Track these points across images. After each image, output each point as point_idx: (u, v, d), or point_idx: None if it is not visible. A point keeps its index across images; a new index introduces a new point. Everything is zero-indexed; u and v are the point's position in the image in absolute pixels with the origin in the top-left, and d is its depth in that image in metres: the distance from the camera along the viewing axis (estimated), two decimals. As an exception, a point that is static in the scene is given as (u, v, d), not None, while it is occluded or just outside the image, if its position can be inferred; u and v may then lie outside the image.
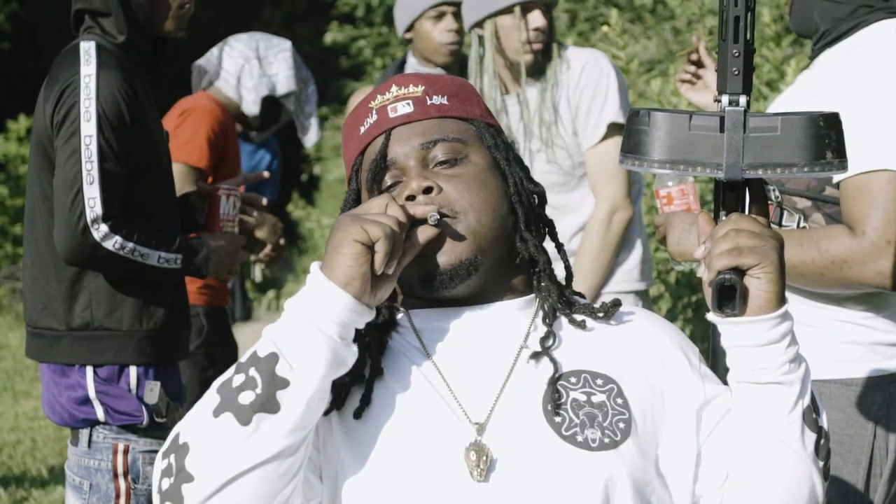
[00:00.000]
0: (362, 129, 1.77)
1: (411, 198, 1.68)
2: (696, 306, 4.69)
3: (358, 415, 1.63)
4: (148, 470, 2.81)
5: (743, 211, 1.58)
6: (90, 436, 2.81)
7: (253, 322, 10.54)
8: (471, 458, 1.59)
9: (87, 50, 2.77)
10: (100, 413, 2.79)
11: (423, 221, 1.64)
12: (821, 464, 1.62)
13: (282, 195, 10.39)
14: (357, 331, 1.65)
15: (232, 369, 1.58)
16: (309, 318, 1.55)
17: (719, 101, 1.51)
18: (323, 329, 1.55)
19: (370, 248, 1.56)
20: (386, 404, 1.65)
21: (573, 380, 1.66)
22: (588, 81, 3.48)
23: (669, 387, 1.69)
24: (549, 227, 1.81)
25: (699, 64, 2.91)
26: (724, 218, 1.57)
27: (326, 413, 1.64)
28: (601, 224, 3.48)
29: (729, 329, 1.57)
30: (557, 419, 1.62)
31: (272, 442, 1.52)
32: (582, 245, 3.49)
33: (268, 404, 1.52)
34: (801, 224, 2.30)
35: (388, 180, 1.73)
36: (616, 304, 1.75)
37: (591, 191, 3.52)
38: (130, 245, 2.72)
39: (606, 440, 1.61)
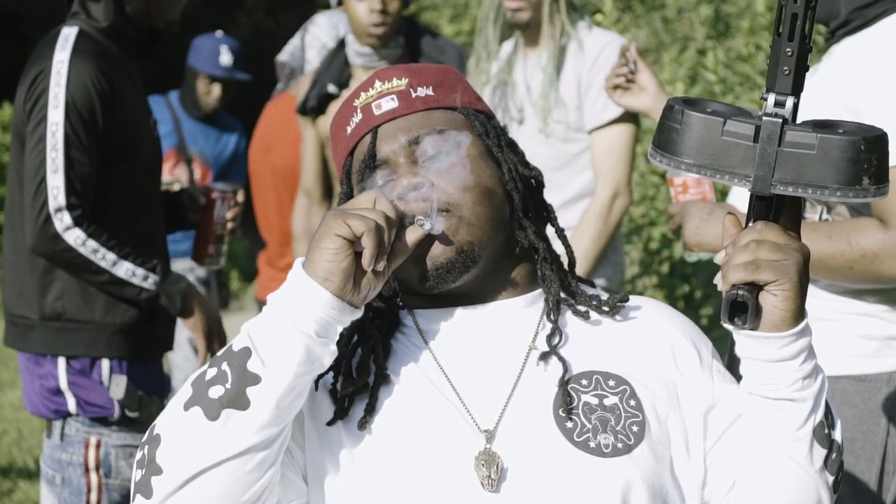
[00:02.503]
0: (349, 130, 1.72)
1: (403, 195, 1.63)
2: (689, 297, 4.66)
3: (363, 426, 1.59)
4: (121, 464, 2.77)
5: (773, 219, 1.50)
6: (63, 428, 2.77)
7: (241, 312, 10.52)
8: (481, 469, 1.53)
9: (67, 36, 2.71)
10: (71, 405, 2.75)
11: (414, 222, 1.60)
12: (830, 478, 1.56)
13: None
14: (361, 334, 1.61)
15: (208, 362, 1.55)
16: (286, 314, 1.50)
17: (765, 98, 1.44)
18: (299, 325, 1.49)
19: (352, 242, 1.50)
20: (392, 412, 1.60)
21: (584, 382, 1.61)
22: (604, 63, 3.42)
23: (682, 386, 1.64)
24: (548, 213, 1.76)
25: (630, 79, 2.84)
26: (751, 224, 1.50)
27: (330, 423, 1.60)
28: (604, 207, 3.44)
29: (742, 340, 1.52)
30: (569, 424, 1.57)
31: (240, 438, 1.48)
32: (580, 228, 3.44)
33: (237, 400, 1.48)
34: (824, 216, 2.23)
35: (379, 180, 1.68)
36: (624, 298, 1.70)
37: (594, 173, 3.48)
38: (93, 244, 2.64)
39: (620, 445, 1.56)
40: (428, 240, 1.61)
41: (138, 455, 1.53)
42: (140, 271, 2.70)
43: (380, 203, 1.55)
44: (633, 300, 1.72)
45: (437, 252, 1.61)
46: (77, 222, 2.63)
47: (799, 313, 1.48)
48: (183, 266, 5.15)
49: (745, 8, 5.43)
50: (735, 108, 1.48)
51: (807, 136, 1.41)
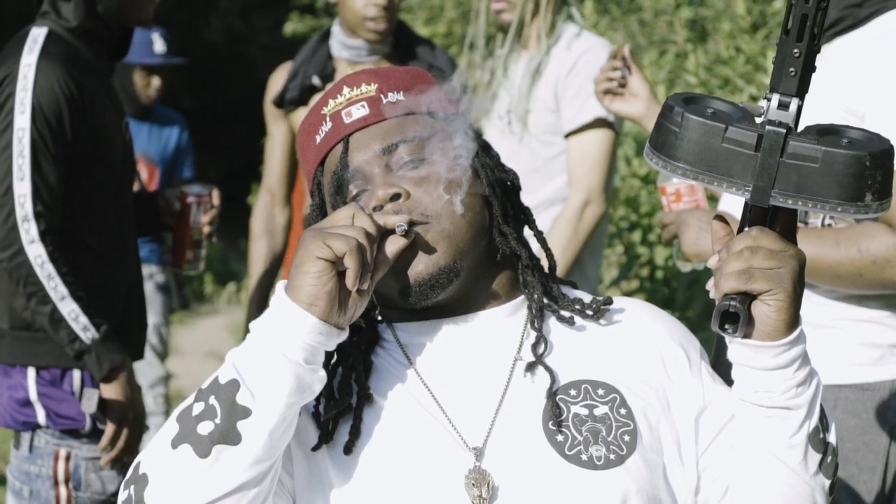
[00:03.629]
0: (318, 139, 1.66)
1: (378, 207, 1.57)
2: (670, 300, 4.63)
3: (349, 450, 1.53)
4: (91, 477, 2.70)
5: (769, 224, 1.45)
6: (32, 440, 2.70)
7: (215, 315, 10.45)
8: (472, 488, 1.48)
9: (36, 37, 2.63)
10: (41, 416, 2.68)
11: (393, 232, 1.53)
12: (826, 482, 1.53)
13: (242, 188, 10.29)
14: (341, 352, 1.55)
15: (193, 395, 1.48)
16: (272, 342, 1.45)
17: (769, 99, 1.39)
18: (287, 354, 1.44)
19: (335, 264, 1.45)
20: (378, 433, 1.55)
21: (573, 392, 1.56)
22: (583, 67, 3.37)
23: (672, 390, 1.59)
24: (525, 215, 1.70)
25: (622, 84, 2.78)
26: (746, 229, 1.46)
27: (315, 448, 1.55)
28: (574, 214, 3.37)
29: (734, 347, 1.47)
30: (559, 438, 1.52)
31: (233, 475, 1.43)
32: (551, 236, 3.36)
33: (228, 435, 1.42)
34: (827, 220, 2.18)
35: (353, 190, 1.62)
36: (607, 301, 1.64)
37: (569, 179, 3.42)
38: (50, 269, 2.55)
39: (612, 456, 1.52)
40: (409, 253, 1.55)
41: (123, 495, 1.47)
42: (83, 319, 2.60)
43: (358, 219, 1.49)
44: (618, 302, 1.67)
45: (419, 267, 1.56)
46: (42, 236, 2.55)
47: (793, 322, 1.44)
48: (149, 271, 5.10)
49: (723, 11, 5.41)
50: (737, 108, 1.43)
51: (811, 148, 1.36)
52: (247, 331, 4.20)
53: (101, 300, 2.66)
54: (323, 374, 1.48)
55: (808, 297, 2.20)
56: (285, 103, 3.63)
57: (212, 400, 1.44)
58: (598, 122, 3.38)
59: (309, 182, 1.69)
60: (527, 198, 3.37)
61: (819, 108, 2.15)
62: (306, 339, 1.45)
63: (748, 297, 1.42)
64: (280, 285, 1.47)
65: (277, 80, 3.69)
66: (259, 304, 3.62)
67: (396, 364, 1.60)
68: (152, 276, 5.35)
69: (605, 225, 3.55)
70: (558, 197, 3.46)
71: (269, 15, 15.14)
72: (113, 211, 2.74)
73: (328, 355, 1.55)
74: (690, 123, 1.39)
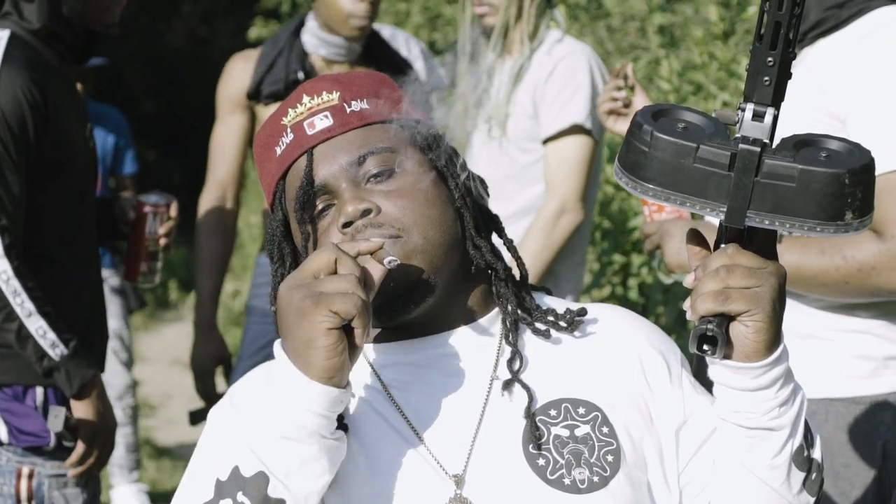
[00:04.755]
0: (279, 151, 1.57)
1: (348, 224, 1.51)
2: (643, 309, 4.59)
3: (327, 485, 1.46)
4: (54, 495, 2.60)
5: (747, 239, 1.38)
6: (-7, 458, 2.60)
7: (179, 322, 10.34)
8: None
9: None
10: (2, 433, 2.57)
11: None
12: (810, 499, 1.49)
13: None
14: None
15: (211, 490, 1.39)
16: (296, 424, 1.36)
17: (743, 109, 1.33)
18: (314, 431, 1.37)
19: (343, 328, 1.36)
20: (354, 464, 1.47)
21: (553, 412, 1.50)
22: (562, 73, 3.32)
23: (653, 403, 1.54)
24: (495, 224, 1.63)
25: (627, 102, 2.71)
26: (722, 246, 1.39)
27: None
28: (548, 222, 3.29)
29: (713, 367, 1.42)
30: (541, 462, 1.47)
31: None
32: (523, 242, 3.30)
33: None
34: None
35: (318, 204, 1.55)
36: (581, 312, 1.58)
37: (545, 185, 3.35)
38: (17, 285, 2.44)
39: (596, 479, 1.46)
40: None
41: None
42: (51, 335, 2.50)
43: (343, 265, 1.38)
44: (594, 309, 1.61)
45: (392, 283, 1.47)
46: (7, 251, 2.44)
47: (773, 342, 1.38)
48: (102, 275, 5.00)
49: (691, 18, 5.39)
50: (710, 120, 1.35)
51: (787, 167, 1.30)
52: (198, 331, 3.96)
53: (65, 313, 2.56)
54: (339, 432, 1.42)
55: (799, 308, 2.16)
56: (262, 96, 3.47)
57: (240, 497, 1.37)
58: (576, 129, 3.32)
59: (269, 196, 1.61)
60: (503, 205, 3.35)
61: (799, 113, 2.10)
62: (330, 411, 1.38)
63: (726, 318, 1.36)
64: (284, 361, 1.38)
65: (239, 70, 3.52)
66: (212, 306, 3.48)
67: (369, 389, 1.53)
68: (106, 279, 5.25)
69: (583, 235, 3.46)
70: (536, 205, 3.38)
71: (232, 19, 15.06)
72: (75, 220, 2.64)
73: None
74: (660, 143, 1.32)
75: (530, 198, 3.40)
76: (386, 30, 3.79)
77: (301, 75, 3.41)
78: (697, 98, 4.45)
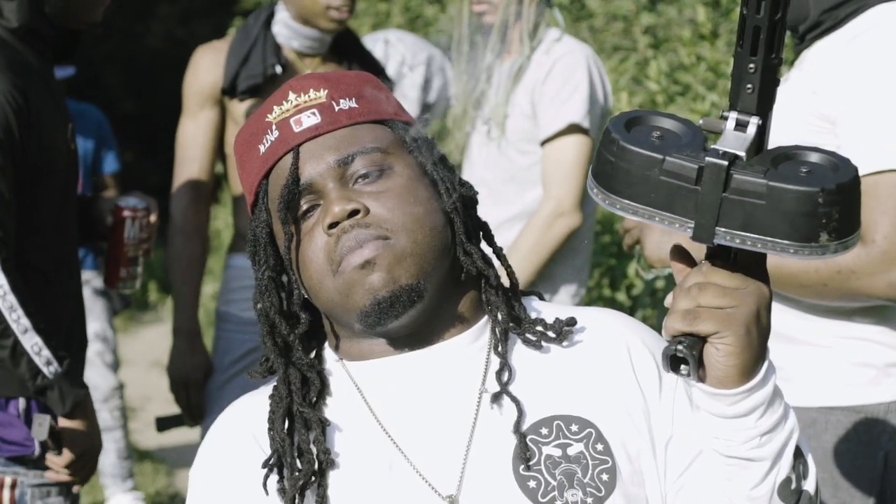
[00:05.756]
0: (262, 149, 1.51)
1: (334, 224, 1.45)
2: (630, 311, 4.56)
3: None
4: (38, 504, 2.55)
5: (732, 255, 1.29)
6: (-26, 468, 2.54)
7: (158, 324, 10.27)
8: None
9: None
10: (-14, 444, 2.52)
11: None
12: None
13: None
14: (289, 406, 1.45)
15: None
16: None
17: (725, 117, 1.25)
18: None
19: None
20: (346, 494, 1.42)
21: (544, 431, 1.44)
22: (559, 72, 3.25)
23: (648, 411, 1.47)
24: (484, 231, 1.58)
25: None
26: (700, 262, 1.31)
27: None
28: (542, 224, 3.21)
29: (692, 389, 1.34)
30: (532, 484, 1.41)
31: None
32: (515, 242, 3.23)
33: None
34: None
35: (302, 205, 1.49)
36: (570, 322, 1.51)
37: (542, 187, 3.28)
38: (13, 300, 2.36)
39: (590, 500, 1.41)
40: (369, 272, 1.44)
41: None
42: (46, 353, 2.42)
43: None
44: (584, 314, 1.55)
45: (377, 283, 1.43)
46: (4, 265, 2.37)
47: (747, 368, 1.29)
48: (83, 277, 4.93)
49: (674, 19, 5.37)
50: (690, 128, 1.28)
51: (756, 183, 1.21)
52: (180, 339, 3.79)
53: (47, 321, 2.48)
54: None
55: (799, 314, 2.13)
56: (238, 91, 3.34)
57: None
58: (574, 129, 3.25)
59: (250, 196, 1.55)
60: (503, 209, 3.31)
61: (790, 116, 2.07)
62: None
63: (700, 340, 1.28)
64: None
65: (207, 63, 3.39)
66: (193, 312, 3.34)
67: (353, 411, 1.48)
68: (89, 281, 5.19)
69: (586, 239, 3.38)
70: (535, 210, 3.30)
71: (210, 21, 14.96)
72: (56, 225, 2.57)
73: (281, 421, 1.46)
74: (626, 154, 1.25)
75: (530, 202, 3.33)
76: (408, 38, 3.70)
77: (279, 69, 3.30)
78: (686, 99, 4.42)
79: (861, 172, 1.98)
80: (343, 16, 3.27)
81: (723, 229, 1.22)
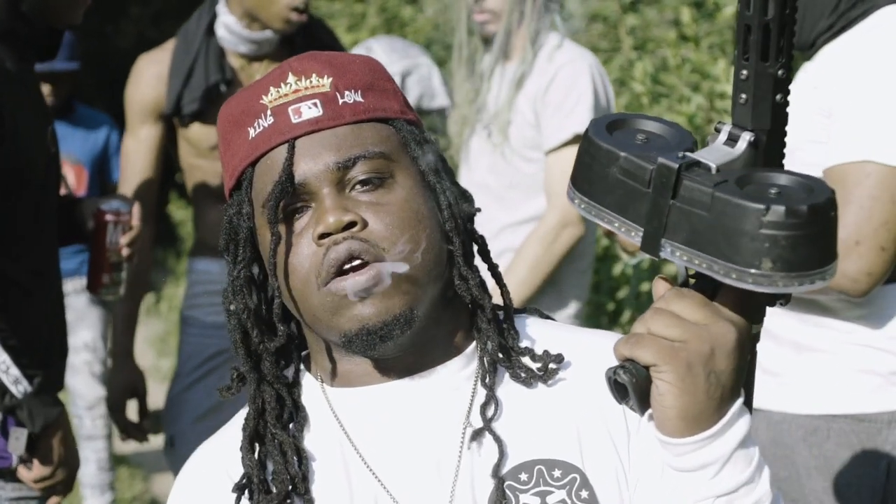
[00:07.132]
0: (252, 133, 1.35)
1: (325, 235, 1.32)
2: (615, 315, 4.54)
3: None
4: (15, 518, 2.47)
5: (710, 287, 1.14)
6: (-49, 482, 2.46)
7: (141, 323, 10.15)
8: None
9: None
10: (-37, 459, 2.44)
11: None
12: None
13: (161, 197, 10.06)
14: (259, 427, 1.36)
15: None
16: None
17: (718, 129, 1.14)
18: None
19: None
20: None
21: (524, 477, 1.32)
22: (563, 81, 3.21)
23: (633, 449, 1.34)
24: (480, 246, 1.45)
25: None
26: (671, 288, 1.17)
27: None
28: (548, 233, 3.17)
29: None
30: None
31: None
32: (521, 252, 3.19)
33: None
34: None
35: (290, 204, 1.35)
36: (558, 359, 1.38)
37: (546, 196, 3.24)
38: None
39: None
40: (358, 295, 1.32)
41: None
42: (15, 371, 2.35)
43: None
44: (578, 340, 1.42)
45: (368, 311, 1.31)
46: None
47: (690, 416, 1.12)
48: (74, 286, 4.84)
49: (656, 17, 5.35)
50: (681, 134, 1.16)
51: (701, 191, 1.07)
52: (112, 359, 3.66)
53: (24, 335, 2.41)
54: None
55: (801, 318, 2.11)
56: (183, 116, 3.19)
57: None
58: (578, 139, 3.21)
59: (230, 179, 1.40)
60: (506, 214, 3.26)
61: (797, 111, 2.06)
62: None
63: (646, 369, 1.13)
64: None
65: (149, 77, 3.24)
66: (127, 332, 3.28)
67: (335, 442, 1.38)
68: (83, 289, 5.11)
69: (589, 243, 3.35)
70: (539, 216, 3.27)
71: (182, 22, 14.89)
72: (34, 231, 2.47)
73: (249, 447, 1.37)
74: (591, 148, 1.14)
75: (534, 209, 3.28)
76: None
77: (223, 88, 3.17)
78: (671, 101, 4.40)
79: (837, 161, 1.99)
80: (303, 19, 3.12)
81: (668, 242, 1.10)
